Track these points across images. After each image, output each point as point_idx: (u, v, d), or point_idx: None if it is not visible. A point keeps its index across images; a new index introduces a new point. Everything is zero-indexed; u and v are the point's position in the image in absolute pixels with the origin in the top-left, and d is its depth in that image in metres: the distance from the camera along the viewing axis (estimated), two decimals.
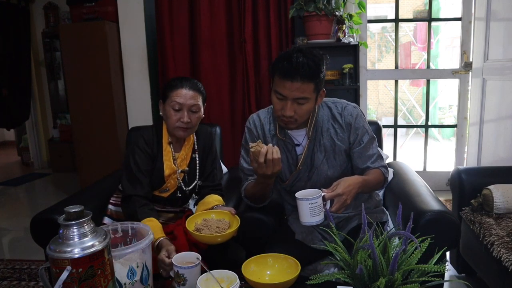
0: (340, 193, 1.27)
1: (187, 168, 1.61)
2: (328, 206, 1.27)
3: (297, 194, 1.26)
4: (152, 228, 1.24)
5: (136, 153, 1.53)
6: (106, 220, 1.60)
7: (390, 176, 1.86)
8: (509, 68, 2.45)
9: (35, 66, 4.96)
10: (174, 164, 1.58)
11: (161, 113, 1.58)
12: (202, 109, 1.56)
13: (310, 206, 1.22)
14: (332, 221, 1.16)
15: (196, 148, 1.64)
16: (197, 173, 1.64)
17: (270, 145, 1.28)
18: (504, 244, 1.48)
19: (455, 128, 3.48)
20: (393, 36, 4.73)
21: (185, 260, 1.17)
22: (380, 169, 1.47)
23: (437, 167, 4.00)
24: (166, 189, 1.59)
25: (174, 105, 1.49)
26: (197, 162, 1.64)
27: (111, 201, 1.65)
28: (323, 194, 1.25)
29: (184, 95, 1.50)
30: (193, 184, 1.63)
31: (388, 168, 1.94)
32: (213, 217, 1.44)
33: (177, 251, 1.37)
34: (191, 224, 1.40)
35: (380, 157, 1.50)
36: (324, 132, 1.45)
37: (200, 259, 1.16)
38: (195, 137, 1.65)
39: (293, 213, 1.59)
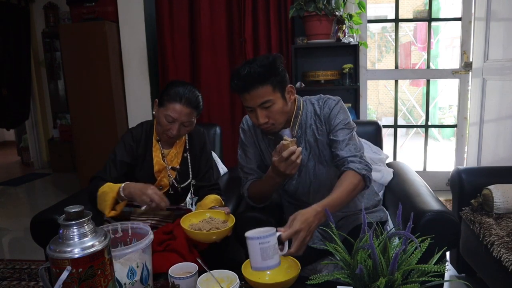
0: (298, 230, 1.13)
1: (177, 166, 1.62)
2: (285, 250, 1.12)
3: (248, 233, 1.07)
4: (108, 186, 1.40)
5: (118, 145, 1.58)
6: (106, 216, 1.59)
7: (390, 176, 1.86)
8: (509, 68, 2.45)
9: (35, 66, 4.96)
10: (164, 160, 1.58)
11: (154, 112, 1.59)
12: (194, 123, 1.57)
13: (261, 246, 1.04)
14: (332, 221, 1.16)
15: (187, 147, 1.65)
16: (190, 172, 1.64)
17: (300, 149, 1.26)
18: (504, 244, 1.48)
19: (455, 128, 3.48)
20: (393, 36, 4.73)
21: (183, 270, 1.17)
22: (351, 169, 1.32)
23: (437, 167, 4.00)
24: (159, 187, 1.59)
25: (167, 117, 1.49)
26: (189, 161, 1.64)
27: None
28: (279, 233, 1.10)
29: (180, 111, 1.48)
30: (186, 183, 1.64)
31: (388, 168, 1.91)
32: (208, 216, 1.45)
33: (177, 251, 1.37)
34: (185, 222, 1.39)
35: (355, 148, 1.38)
36: (308, 129, 1.47)
37: (200, 260, 1.16)
38: (187, 137, 1.66)
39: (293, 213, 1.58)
